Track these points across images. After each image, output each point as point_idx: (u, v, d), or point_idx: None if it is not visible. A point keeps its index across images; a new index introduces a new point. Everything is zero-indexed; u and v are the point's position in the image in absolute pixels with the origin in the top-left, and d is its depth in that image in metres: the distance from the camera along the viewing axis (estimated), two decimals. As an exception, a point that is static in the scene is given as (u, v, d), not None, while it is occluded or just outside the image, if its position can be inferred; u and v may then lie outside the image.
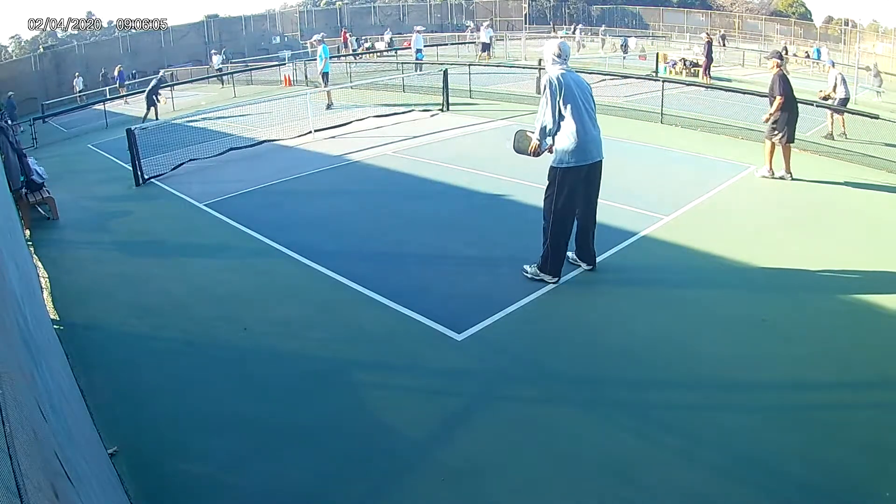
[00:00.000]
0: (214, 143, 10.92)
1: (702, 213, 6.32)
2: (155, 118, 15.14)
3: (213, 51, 29.03)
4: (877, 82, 18.08)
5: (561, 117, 4.47)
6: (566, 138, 4.48)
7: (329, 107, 13.78)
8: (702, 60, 17.87)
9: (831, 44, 31.89)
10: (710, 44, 17.33)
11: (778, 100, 7.30)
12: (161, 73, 17.01)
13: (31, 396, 1.58)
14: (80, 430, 2.62)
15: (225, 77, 22.45)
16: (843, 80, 10.94)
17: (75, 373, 3.80)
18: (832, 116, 10.08)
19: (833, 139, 9.82)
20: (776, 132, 7.37)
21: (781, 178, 7.42)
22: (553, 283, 4.77)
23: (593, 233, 4.91)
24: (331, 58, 22.24)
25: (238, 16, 37.65)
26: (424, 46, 20.68)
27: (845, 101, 10.80)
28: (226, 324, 4.59)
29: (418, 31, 20.66)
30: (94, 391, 3.71)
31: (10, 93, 24.08)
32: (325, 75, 14.33)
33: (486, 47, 20.66)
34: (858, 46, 23.73)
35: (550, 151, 4.72)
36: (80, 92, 25.36)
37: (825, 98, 10.63)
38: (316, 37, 16.17)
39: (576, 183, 4.59)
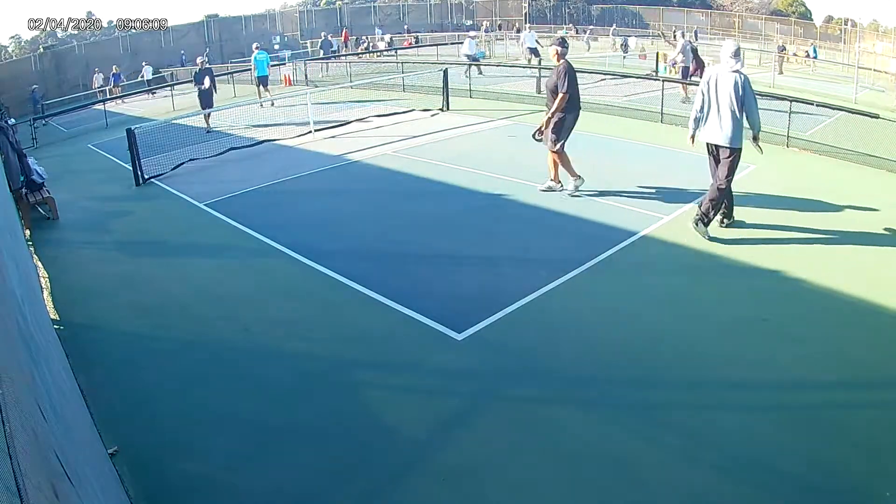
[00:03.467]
0: (214, 143, 10.92)
1: (702, 212, 6.30)
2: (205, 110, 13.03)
3: (143, 62, 26.89)
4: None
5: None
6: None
7: (264, 104, 14.30)
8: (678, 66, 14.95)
9: (831, 43, 31.86)
10: (694, 50, 15.10)
11: (561, 96, 6.23)
12: (200, 60, 14.15)
13: (31, 396, 1.58)
14: (80, 430, 2.62)
15: (155, 91, 20.22)
16: (689, 52, 13.02)
17: (75, 373, 3.80)
18: (685, 86, 12.28)
19: (686, 102, 11.49)
20: (556, 139, 6.39)
21: (550, 189, 6.81)
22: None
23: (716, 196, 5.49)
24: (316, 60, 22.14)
25: (238, 16, 37.64)
26: (475, 48, 19.93)
27: (686, 69, 12.98)
28: (226, 324, 4.60)
29: (470, 37, 20.13)
30: (94, 391, 3.72)
31: (35, 86, 24.10)
32: (261, 79, 14.91)
33: (534, 52, 18.38)
34: (858, 46, 23.71)
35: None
36: (99, 87, 25.12)
37: (673, 64, 13.28)
38: (255, 44, 16.26)
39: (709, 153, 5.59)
